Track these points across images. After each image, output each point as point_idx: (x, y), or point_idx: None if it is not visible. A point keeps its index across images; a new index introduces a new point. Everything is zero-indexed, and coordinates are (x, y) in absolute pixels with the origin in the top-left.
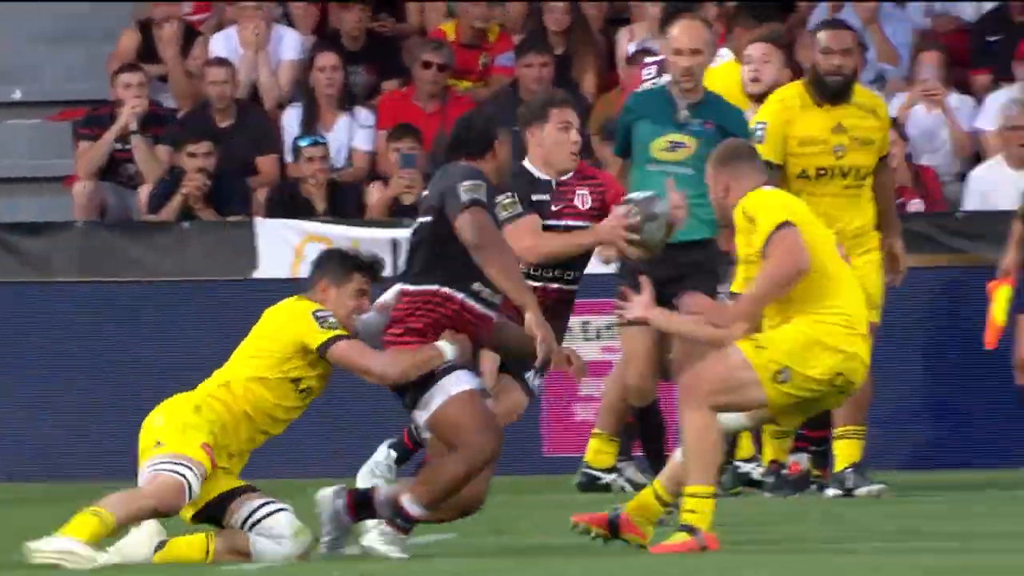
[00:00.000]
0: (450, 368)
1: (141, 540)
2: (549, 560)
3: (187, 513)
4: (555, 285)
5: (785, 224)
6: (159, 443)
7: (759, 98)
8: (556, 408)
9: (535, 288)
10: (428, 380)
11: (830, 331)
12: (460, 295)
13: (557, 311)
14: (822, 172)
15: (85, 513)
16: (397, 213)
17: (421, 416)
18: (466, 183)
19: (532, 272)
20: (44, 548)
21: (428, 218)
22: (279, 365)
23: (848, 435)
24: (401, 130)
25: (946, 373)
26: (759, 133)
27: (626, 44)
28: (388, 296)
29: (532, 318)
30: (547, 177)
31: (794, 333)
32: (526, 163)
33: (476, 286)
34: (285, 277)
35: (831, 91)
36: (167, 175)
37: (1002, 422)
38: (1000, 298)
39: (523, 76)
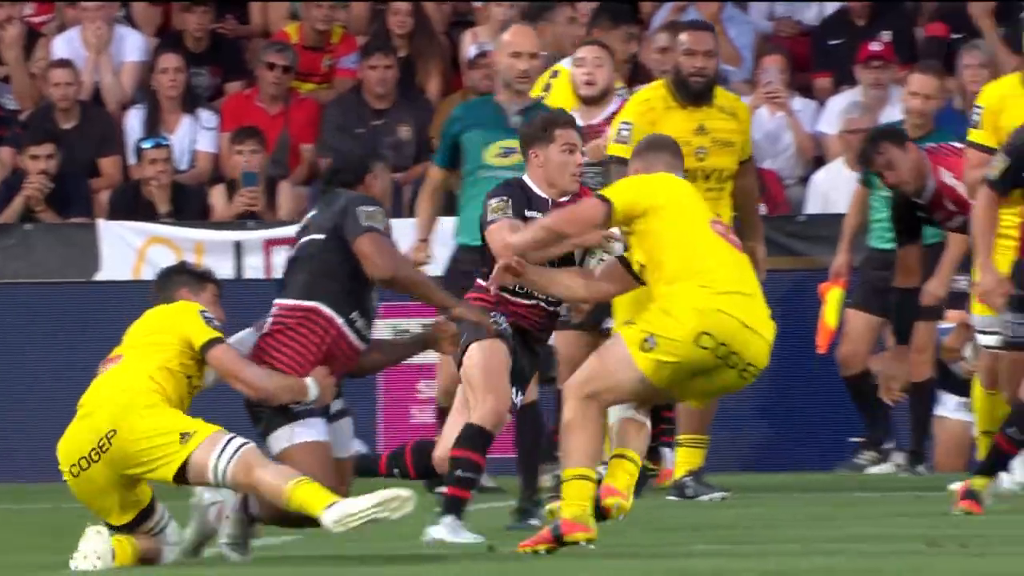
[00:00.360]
0: (307, 412)
1: (106, 540)
2: (393, 565)
3: (120, 519)
4: (547, 307)
5: (601, 198)
6: (187, 434)
7: (591, 101)
8: (392, 411)
9: (527, 307)
10: (284, 414)
11: (688, 291)
12: (339, 320)
13: (547, 329)
14: (684, 175)
15: (303, 485)
16: (241, 215)
17: (270, 448)
18: (367, 208)
19: (518, 289)
20: (353, 510)
21: (320, 236)
22: (177, 358)
23: (689, 443)
24: (244, 132)
25: (786, 376)
26: (624, 133)
27: (469, 47)
28: (243, 334)
29: (462, 310)
30: (545, 196)
31: (658, 302)
32: (526, 179)
33: (354, 315)
34: (128, 279)
35: (694, 93)
36: (9, 177)
37: (839, 425)
38: (832, 300)
39: (367, 78)
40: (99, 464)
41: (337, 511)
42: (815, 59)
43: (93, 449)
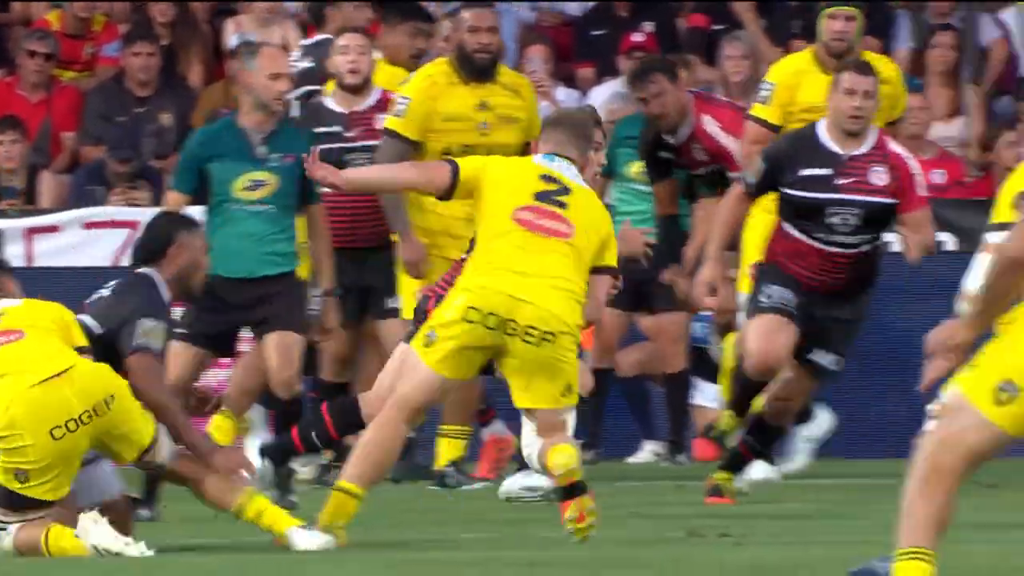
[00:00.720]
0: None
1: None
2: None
3: (60, 495)
4: None
5: (450, 162)
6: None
7: (355, 89)
8: None
9: None
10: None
11: (462, 277)
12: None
13: None
14: (467, 149)
15: (258, 497)
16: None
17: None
18: (147, 323)
19: None
20: (315, 543)
21: (97, 330)
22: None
23: (452, 434)
24: (5, 122)
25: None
26: (400, 107)
27: (231, 36)
28: None
29: (218, 461)
30: None
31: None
32: None
33: None
34: None
35: (478, 69)
36: None
37: (626, 415)
38: None
39: (129, 66)
40: (87, 427)
41: (309, 539)
42: (578, 49)
43: (87, 411)
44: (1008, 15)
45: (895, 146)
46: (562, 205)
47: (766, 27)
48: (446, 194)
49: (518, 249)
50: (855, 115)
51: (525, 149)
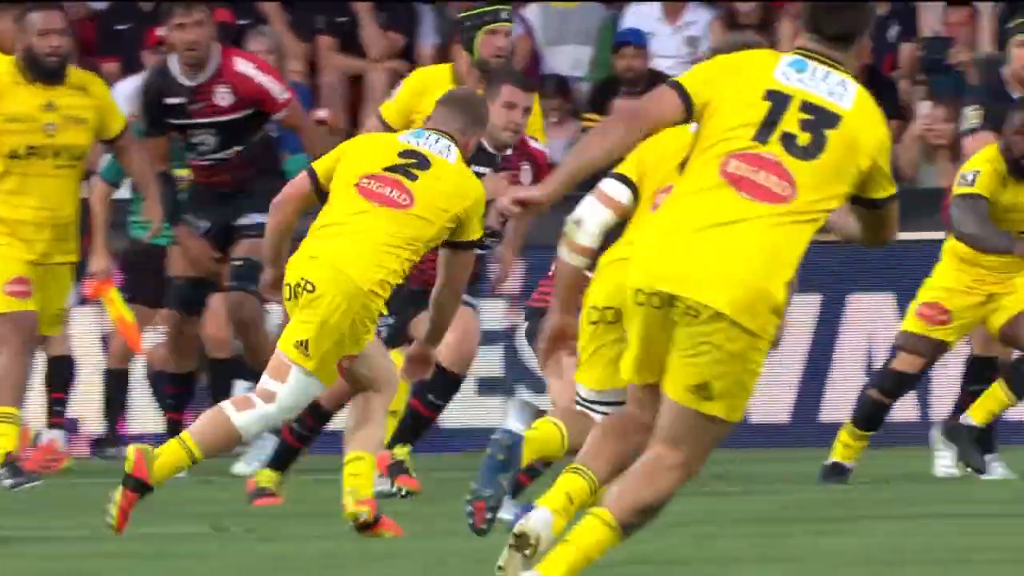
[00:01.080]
0: None
1: None
2: None
3: None
4: None
5: (308, 170)
6: None
7: None
8: None
9: None
10: None
11: None
12: None
13: None
14: (32, 151)
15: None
16: None
17: None
18: None
19: None
20: None
21: None
22: None
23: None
24: None
25: None
26: None
27: None
28: None
29: None
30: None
31: None
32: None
33: None
34: None
35: (46, 71)
36: None
37: None
38: (117, 299)
39: None
40: None
41: None
42: (102, 44)
43: None
44: (530, 12)
45: (535, 143)
46: (411, 176)
47: (290, 22)
48: (319, 199)
49: (348, 213)
50: (511, 129)
51: (128, 152)
